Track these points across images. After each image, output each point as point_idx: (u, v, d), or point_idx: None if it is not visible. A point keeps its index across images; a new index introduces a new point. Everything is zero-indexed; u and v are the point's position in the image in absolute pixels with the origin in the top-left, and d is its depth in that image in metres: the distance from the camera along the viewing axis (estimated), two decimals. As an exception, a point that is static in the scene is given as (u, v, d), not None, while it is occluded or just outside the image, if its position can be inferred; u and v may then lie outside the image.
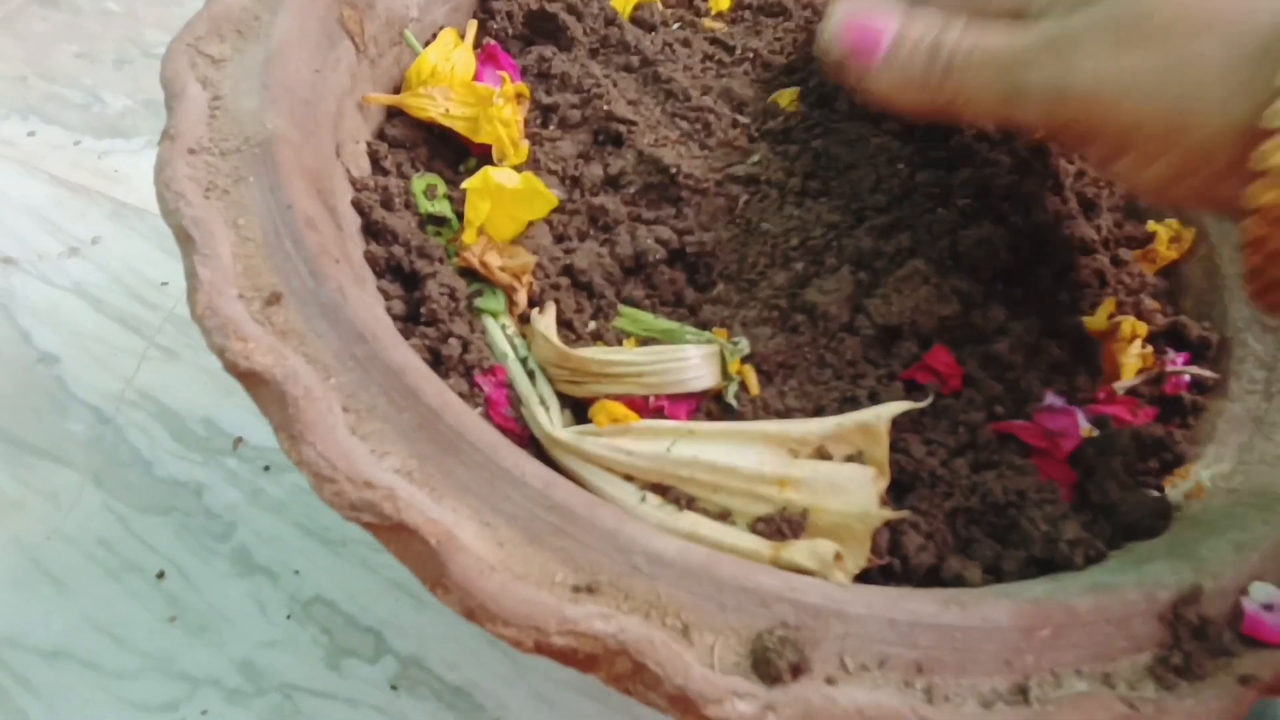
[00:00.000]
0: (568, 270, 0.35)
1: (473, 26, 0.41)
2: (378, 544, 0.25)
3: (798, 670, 0.23)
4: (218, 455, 0.51)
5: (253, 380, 0.26)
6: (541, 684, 0.44)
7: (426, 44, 0.40)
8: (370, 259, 0.33)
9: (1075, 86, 0.28)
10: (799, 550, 0.27)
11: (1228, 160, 0.26)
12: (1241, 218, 0.26)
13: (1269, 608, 0.27)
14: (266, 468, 0.51)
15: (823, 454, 0.29)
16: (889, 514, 0.28)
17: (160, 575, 0.47)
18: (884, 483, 0.29)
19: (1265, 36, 0.25)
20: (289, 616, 0.46)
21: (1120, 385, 0.35)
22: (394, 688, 0.44)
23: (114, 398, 0.53)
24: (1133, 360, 0.35)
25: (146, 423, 0.52)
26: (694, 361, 0.31)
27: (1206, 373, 0.36)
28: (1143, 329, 0.36)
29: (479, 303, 0.33)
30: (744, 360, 0.32)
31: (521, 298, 0.34)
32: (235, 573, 0.47)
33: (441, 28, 0.41)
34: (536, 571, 0.24)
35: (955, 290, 0.34)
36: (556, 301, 0.34)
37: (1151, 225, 0.41)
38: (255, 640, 0.45)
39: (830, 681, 0.24)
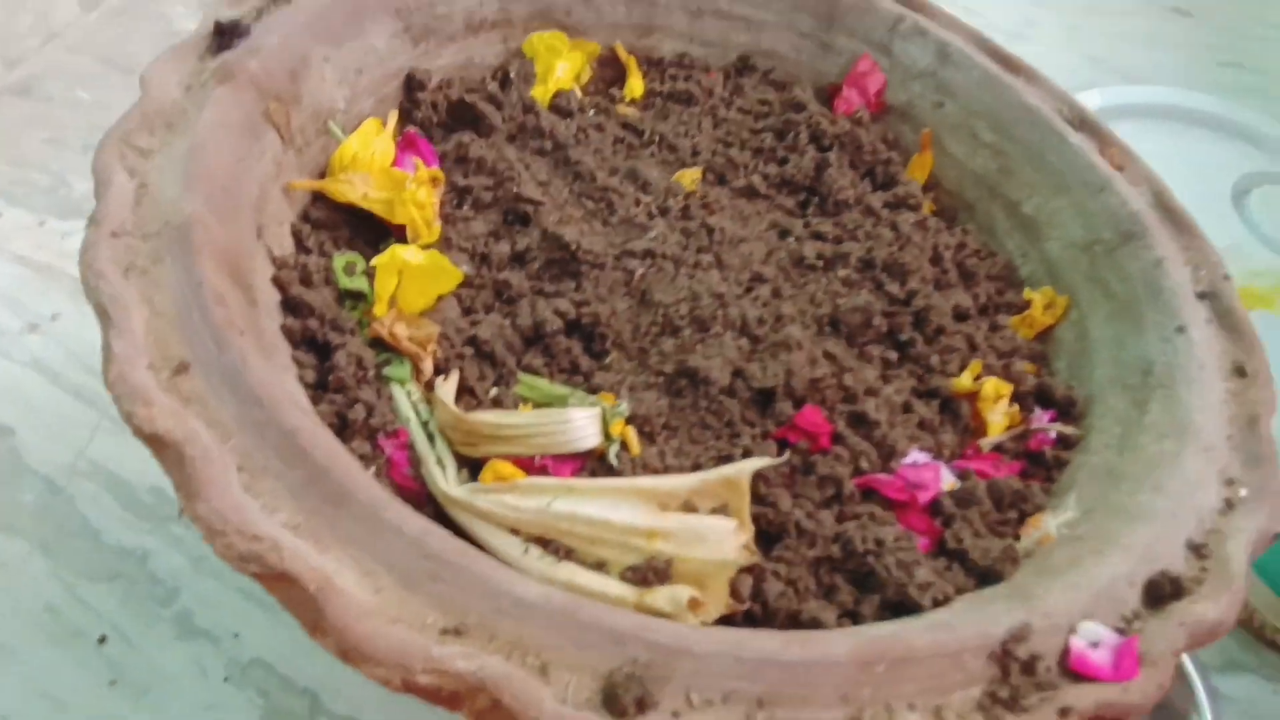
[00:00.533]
0: (472, 341, 0.37)
1: (393, 116, 0.44)
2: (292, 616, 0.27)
3: (644, 705, 0.26)
4: (165, 522, 0.53)
5: (156, 443, 0.28)
6: (473, 743, 0.46)
7: (351, 133, 0.43)
8: (287, 331, 0.36)
9: None
10: (659, 596, 0.29)
11: None
12: None
13: (1095, 645, 0.29)
14: (214, 540, 0.53)
15: (689, 507, 0.31)
16: (744, 560, 0.30)
17: (102, 640, 0.48)
18: (746, 534, 0.31)
19: None
20: (227, 679, 0.48)
21: (986, 442, 0.38)
22: (328, 749, 0.46)
23: (66, 468, 0.55)
24: (999, 418, 0.38)
25: (97, 492, 0.54)
26: (578, 424, 0.33)
27: (1069, 429, 0.38)
28: (1007, 389, 0.38)
29: (387, 370, 0.36)
30: (626, 422, 0.35)
31: (427, 366, 0.36)
32: (176, 636, 0.49)
33: (367, 118, 0.44)
34: (410, 615, 0.27)
35: (828, 354, 0.37)
36: (460, 370, 0.37)
37: (1028, 293, 0.44)
38: (194, 703, 0.47)
39: (675, 715, 0.26)
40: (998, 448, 0.38)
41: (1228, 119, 0.89)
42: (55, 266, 0.64)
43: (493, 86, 0.48)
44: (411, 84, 0.46)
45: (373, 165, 0.41)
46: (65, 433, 0.56)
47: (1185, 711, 0.48)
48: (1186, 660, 0.48)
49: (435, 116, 0.46)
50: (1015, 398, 0.39)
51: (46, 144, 0.71)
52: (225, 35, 0.39)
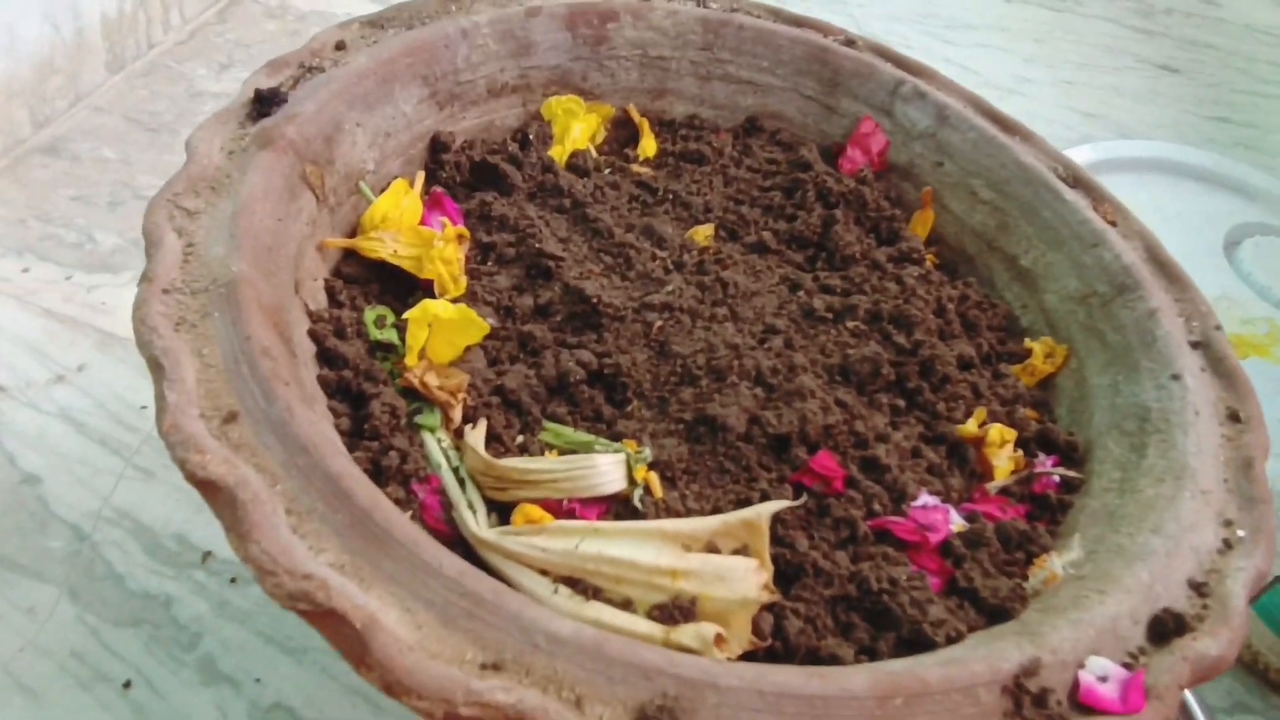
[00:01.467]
0: (499, 390, 0.39)
1: (420, 177, 0.46)
2: (337, 652, 0.29)
3: (675, 735, 0.27)
4: (188, 569, 0.54)
5: (208, 488, 0.30)
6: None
7: (381, 193, 0.45)
8: (323, 381, 0.38)
9: None
10: (685, 633, 0.30)
11: None
12: None
13: (1103, 679, 0.31)
14: (233, 580, 0.54)
15: (711, 548, 0.33)
16: (766, 598, 0.31)
17: (127, 684, 0.49)
18: (766, 573, 0.33)
19: None
20: (249, 723, 0.49)
21: (992, 486, 0.39)
22: (349, 792, 0.46)
23: (92, 515, 0.56)
24: (1004, 463, 0.40)
25: (122, 539, 0.55)
26: (603, 469, 0.35)
27: (1071, 473, 0.40)
28: (1011, 435, 0.40)
29: (418, 419, 0.38)
30: (649, 467, 0.36)
31: (457, 414, 0.38)
32: (200, 681, 0.50)
33: (396, 178, 0.46)
34: (449, 650, 0.28)
35: (839, 402, 0.39)
36: (488, 418, 0.38)
37: (1029, 342, 0.46)
38: (217, 746, 0.48)
39: (704, 745, 0.27)
40: (1003, 491, 0.39)
41: (1218, 172, 0.91)
42: (81, 319, 0.66)
43: (513, 147, 0.50)
44: (436, 146, 0.49)
45: (402, 223, 0.43)
46: (91, 480, 0.58)
47: (1193, 754, 0.49)
48: (1194, 704, 0.49)
49: (459, 176, 0.49)
50: (1019, 443, 0.41)
51: (74, 201, 0.73)
52: (264, 103, 0.42)
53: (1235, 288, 0.80)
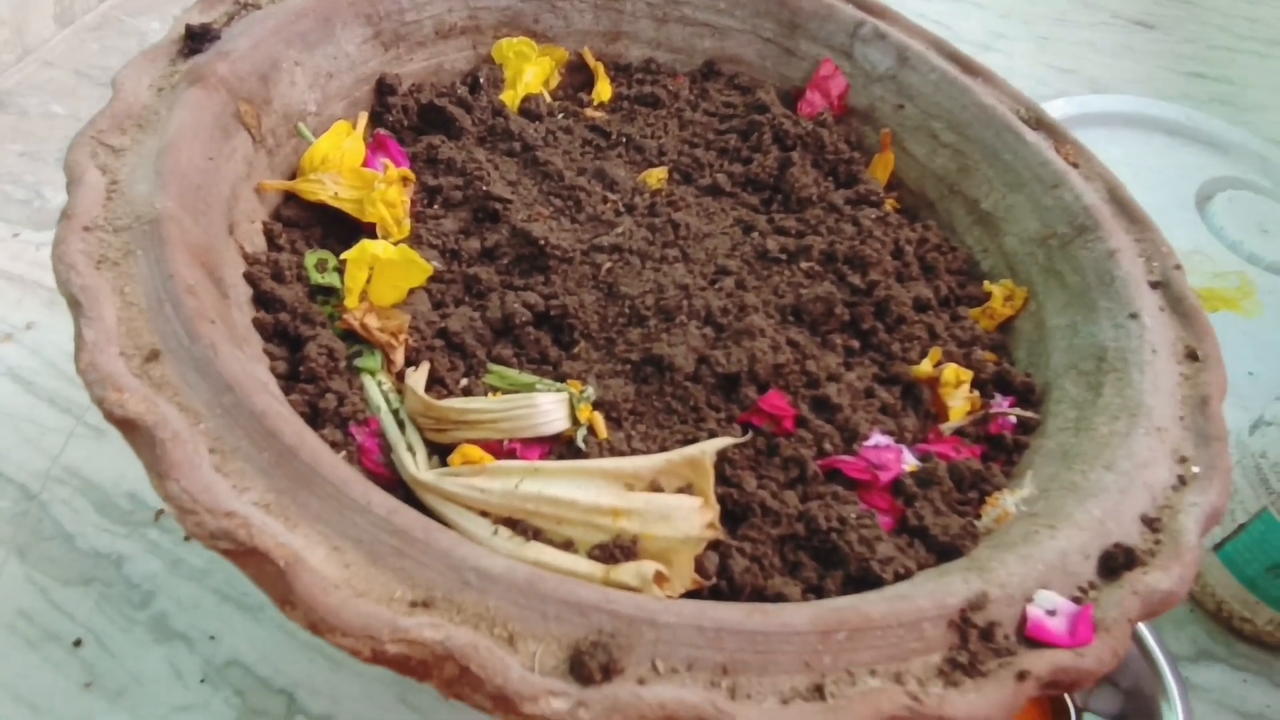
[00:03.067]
0: (442, 333, 0.38)
1: (363, 118, 0.45)
2: (262, 591, 0.28)
3: (609, 671, 0.26)
4: (140, 527, 0.53)
5: (127, 426, 0.29)
6: (449, 745, 0.46)
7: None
8: (259, 325, 0.37)
9: None
10: (625, 571, 0.30)
11: None
12: None
13: (1052, 613, 0.30)
14: (187, 538, 0.53)
15: (655, 487, 0.32)
16: (710, 536, 0.31)
17: (78, 643, 0.48)
18: (711, 512, 0.32)
19: None
20: (203, 680, 0.48)
21: (948, 426, 0.39)
22: (304, 747, 0.46)
23: (40, 475, 0.55)
24: (959, 404, 0.39)
25: (71, 498, 0.54)
26: (545, 408, 0.34)
27: (1027, 414, 0.39)
28: (967, 375, 0.39)
29: (358, 362, 0.37)
30: (594, 407, 0.35)
31: (398, 356, 0.37)
32: (153, 639, 0.49)
33: (339, 121, 0.45)
34: (377, 589, 0.27)
35: (791, 341, 0.38)
36: (431, 361, 0.37)
37: (988, 285, 0.45)
38: (170, 704, 0.47)
39: (641, 682, 0.26)
40: (958, 432, 0.39)
41: (1191, 126, 0.91)
42: (29, 277, 0.64)
43: (462, 91, 0.49)
44: (383, 88, 0.47)
45: (343, 165, 0.42)
46: (40, 440, 0.56)
47: (1156, 701, 0.49)
48: (1157, 650, 0.49)
49: (406, 120, 0.47)
50: (976, 385, 0.40)
51: (21, 157, 0.71)
52: (196, 39, 0.40)
53: (1207, 242, 0.80)
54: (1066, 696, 0.48)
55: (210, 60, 0.39)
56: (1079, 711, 0.48)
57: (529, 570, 0.28)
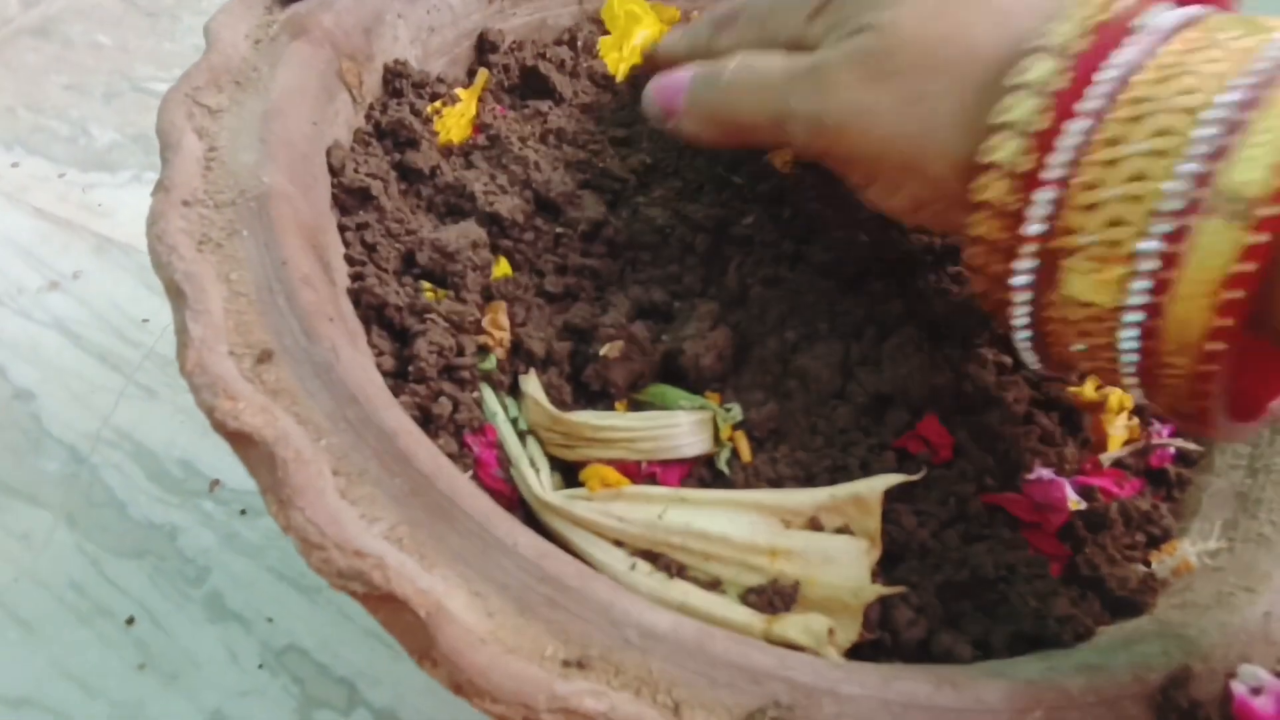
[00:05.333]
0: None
1: (483, 75, 0.41)
2: (396, 640, 0.25)
3: (788, 751, 0.23)
4: (194, 497, 0.50)
5: (241, 441, 0.25)
6: (518, 740, 0.43)
7: (423, 96, 0.40)
8: (362, 313, 0.33)
9: (830, 115, 0.30)
10: (792, 625, 0.26)
11: (956, 192, 0.28)
12: (968, 245, 0.28)
13: (1257, 691, 0.27)
14: (243, 511, 0.50)
15: (815, 525, 0.29)
16: (882, 589, 0.28)
17: (130, 621, 0.46)
18: (876, 555, 0.29)
19: (984, 77, 0.27)
20: (261, 665, 0.45)
21: (1107, 457, 0.35)
22: (367, 740, 0.44)
23: (90, 436, 0.52)
24: (1119, 432, 0.35)
25: (123, 462, 0.51)
26: (686, 427, 0.31)
27: (1191, 445, 0.36)
28: (1130, 401, 0.36)
29: (477, 363, 0.33)
30: (736, 426, 0.32)
31: (500, 354, 0.33)
32: (207, 619, 0.47)
33: (439, 79, 0.41)
34: (528, 644, 0.24)
35: (948, 359, 0.34)
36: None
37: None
38: (226, 689, 0.44)
39: (822, 763, 0.23)
40: (1118, 463, 0.35)
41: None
42: (76, 221, 0.61)
43: (560, 51, 0.45)
44: (483, 45, 0.43)
45: (452, 132, 0.38)
46: (89, 398, 0.53)
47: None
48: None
49: (507, 80, 0.43)
50: (1133, 411, 0.37)
51: (66, 90, 0.67)
52: (294, -17, 0.36)
53: None
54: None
55: (313, 10, 0.35)
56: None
57: (696, 628, 0.24)
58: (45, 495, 0.50)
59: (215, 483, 0.51)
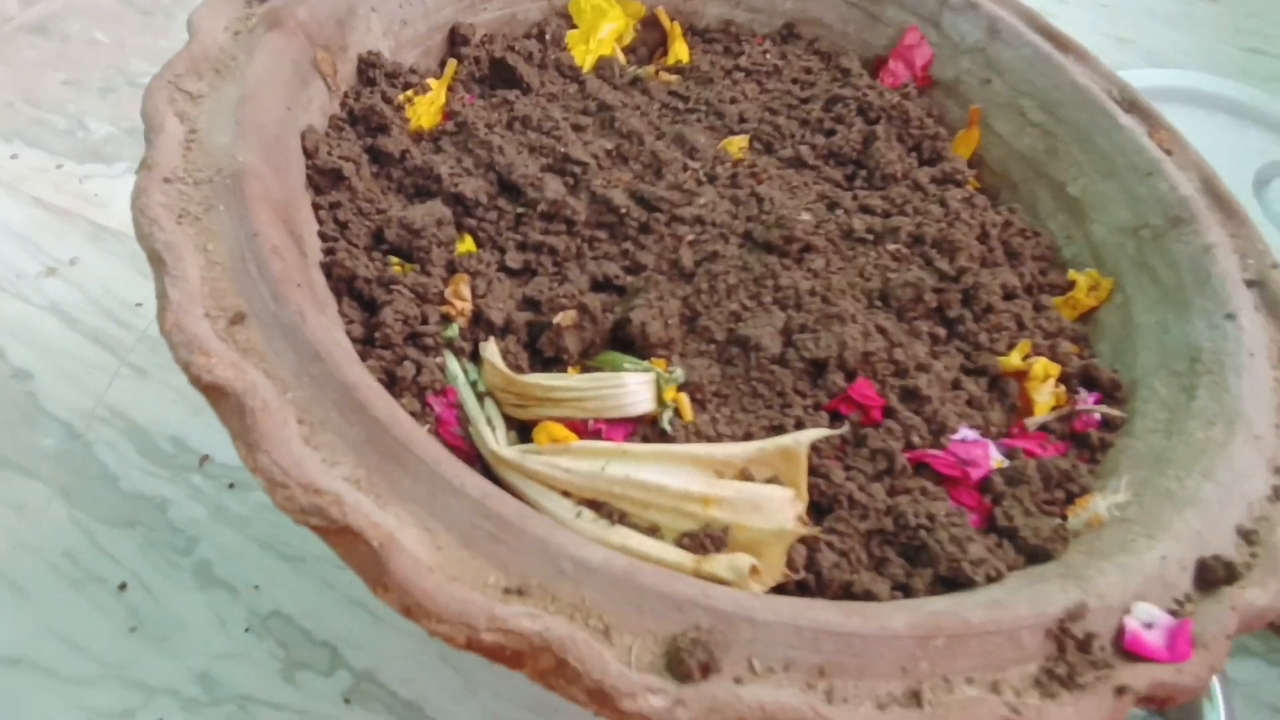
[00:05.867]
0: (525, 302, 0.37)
1: (452, 65, 0.43)
2: (337, 561, 0.27)
3: (708, 669, 0.26)
4: (184, 472, 0.53)
5: (214, 393, 0.28)
6: (492, 702, 0.46)
7: (396, 85, 0.42)
8: (334, 285, 0.36)
9: None
10: (718, 563, 0.29)
11: None
12: None
13: (1149, 625, 0.29)
14: (231, 485, 0.52)
15: (745, 475, 0.31)
16: (803, 530, 0.30)
17: (122, 587, 0.48)
18: (802, 504, 0.31)
19: None
20: (247, 630, 0.47)
21: (1032, 421, 0.37)
22: (347, 701, 0.46)
23: (84, 414, 0.54)
24: (1045, 399, 0.38)
25: (115, 439, 0.54)
26: (632, 388, 0.33)
27: (1115, 412, 0.38)
28: (1055, 370, 0.38)
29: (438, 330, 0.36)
30: (679, 388, 0.34)
31: (463, 322, 0.36)
32: (196, 586, 0.49)
33: (411, 69, 0.43)
34: (471, 574, 0.26)
35: (879, 328, 0.36)
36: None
37: (1072, 274, 0.44)
38: (213, 652, 0.46)
39: (738, 681, 0.26)
40: (1043, 428, 0.38)
41: (1251, 106, 0.88)
42: (73, 210, 0.63)
43: (529, 45, 0.47)
44: (455, 38, 0.45)
45: (422, 119, 0.40)
46: (83, 378, 0.56)
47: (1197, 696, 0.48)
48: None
49: (478, 71, 0.46)
50: (1060, 379, 0.39)
51: (64, 85, 0.70)
52: (273, -21, 0.38)
53: (1263, 228, 0.78)
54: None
55: (288, 3, 0.37)
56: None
57: (626, 562, 0.27)
58: (41, 469, 0.52)
59: (205, 458, 0.53)
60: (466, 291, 0.36)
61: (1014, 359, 0.38)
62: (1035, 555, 0.33)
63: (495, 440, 0.33)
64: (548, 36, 0.48)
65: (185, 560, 0.49)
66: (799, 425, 0.34)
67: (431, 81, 0.42)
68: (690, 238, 0.39)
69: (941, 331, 0.39)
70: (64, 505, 0.51)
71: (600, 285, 0.38)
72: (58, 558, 0.49)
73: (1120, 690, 0.28)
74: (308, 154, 0.36)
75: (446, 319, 0.35)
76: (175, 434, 0.54)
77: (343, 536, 0.26)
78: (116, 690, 0.45)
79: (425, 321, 0.35)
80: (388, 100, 0.40)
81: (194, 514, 0.51)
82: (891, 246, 0.40)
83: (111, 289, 0.60)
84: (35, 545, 0.49)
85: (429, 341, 0.35)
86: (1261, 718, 0.53)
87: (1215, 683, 0.49)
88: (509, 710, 0.46)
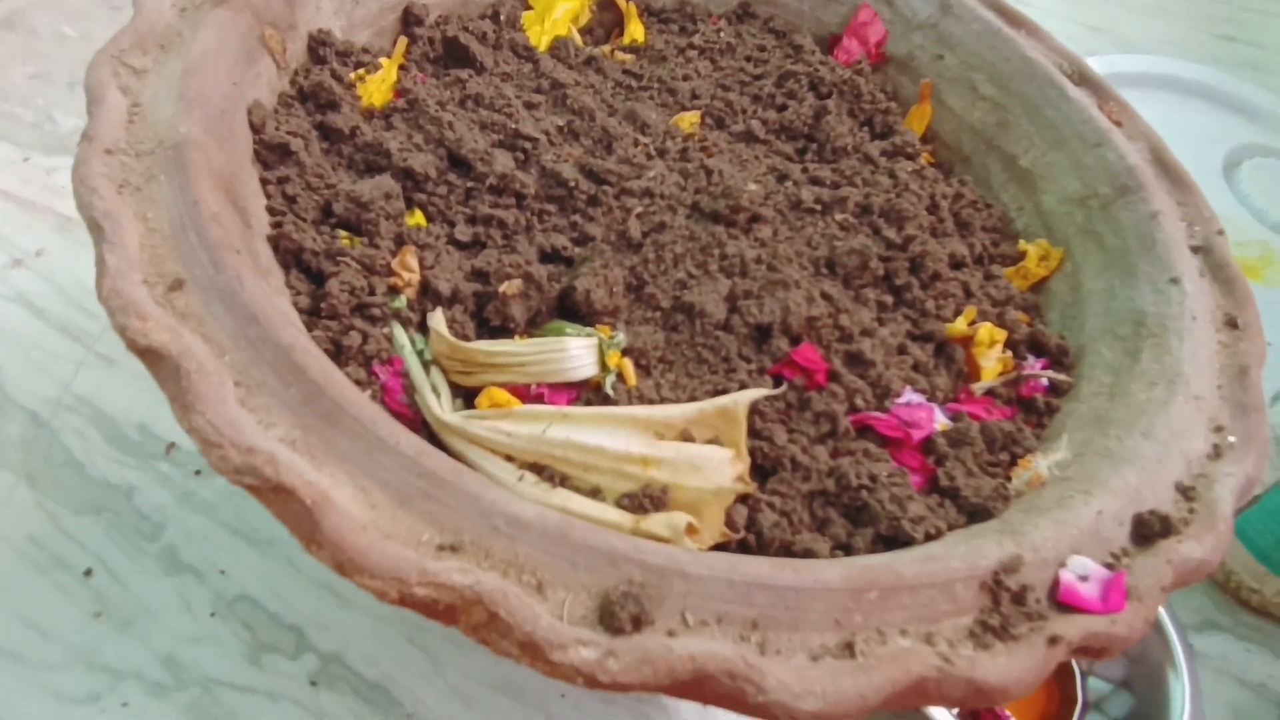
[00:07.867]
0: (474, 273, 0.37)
1: (402, 43, 0.43)
2: (287, 529, 0.27)
3: (640, 622, 0.26)
4: (151, 459, 0.53)
5: (151, 356, 0.28)
6: (458, 681, 0.46)
7: (348, 64, 0.42)
8: (281, 258, 0.36)
9: None
10: (656, 521, 0.29)
11: None
12: None
13: (1084, 578, 0.30)
14: (198, 472, 0.52)
15: (685, 436, 0.31)
16: (741, 488, 0.30)
17: (88, 572, 0.48)
18: (742, 464, 0.31)
19: None
20: (213, 614, 0.48)
21: (979, 386, 0.38)
22: (313, 683, 0.46)
23: (51, 402, 0.54)
24: (992, 364, 0.38)
25: (82, 426, 0.54)
26: (574, 353, 0.33)
27: (1061, 377, 0.39)
28: (1001, 335, 0.38)
29: (385, 301, 0.36)
30: (623, 354, 0.35)
31: (411, 293, 0.36)
32: (162, 571, 0.49)
33: (364, 49, 0.43)
34: (405, 531, 0.27)
35: (825, 294, 0.37)
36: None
37: (1023, 244, 0.44)
38: (179, 636, 0.47)
39: (670, 634, 0.26)
40: (990, 392, 0.38)
41: (1222, 91, 0.89)
42: (40, 202, 0.63)
43: (483, 25, 0.47)
44: (409, 18, 0.46)
45: (374, 97, 0.41)
46: (50, 367, 0.56)
47: (1163, 668, 0.49)
48: (1165, 619, 0.49)
49: (431, 52, 0.46)
50: (1008, 345, 0.39)
51: (32, 79, 0.70)
52: (221, -43, 0.39)
53: (1232, 209, 0.79)
54: (1072, 661, 0.48)
55: (235, -19, 0.38)
56: (1084, 676, 0.48)
57: (559, 518, 0.27)
58: (6, 456, 0.52)
59: (171, 445, 0.53)
60: (414, 263, 0.36)
61: (959, 324, 0.38)
62: (976, 514, 0.33)
63: (440, 406, 0.33)
64: (502, 17, 0.48)
65: (151, 546, 0.50)
66: (743, 389, 0.34)
67: (384, 60, 0.43)
68: (639, 209, 0.39)
69: (889, 299, 0.39)
70: (30, 492, 0.51)
71: (549, 257, 0.38)
72: (24, 543, 0.49)
73: (1053, 640, 0.28)
74: (255, 129, 0.36)
75: (394, 290, 0.36)
76: (142, 422, 0.54)
77: (277, 495, 0.26)
78: (82, 674, 0.45)
79: (372, 292, 0.35)
80: (338, 78, 0.40)
81: (160, 500, 0.51)
82: (839, 216, 0.40)
83: (79, 279, 0.60)
84: (2, 531, 0.49)
85: (376, 312, 0.35)
86: (1228, 691, 0.53)
87: (1182, 656, 0.50)
88: (475, 689, 0.46)
